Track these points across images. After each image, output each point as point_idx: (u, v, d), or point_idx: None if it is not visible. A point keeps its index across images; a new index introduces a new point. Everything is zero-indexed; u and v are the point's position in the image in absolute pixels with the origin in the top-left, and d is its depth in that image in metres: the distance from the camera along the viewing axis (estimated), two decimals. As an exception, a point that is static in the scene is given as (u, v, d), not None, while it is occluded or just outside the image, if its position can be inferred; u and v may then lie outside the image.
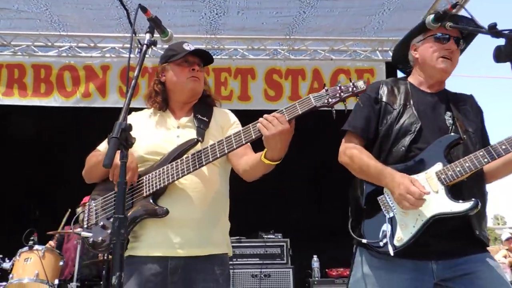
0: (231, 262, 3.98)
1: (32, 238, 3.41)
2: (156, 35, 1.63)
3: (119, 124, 1.29)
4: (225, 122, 1.89)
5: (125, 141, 1.30)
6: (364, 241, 1.64)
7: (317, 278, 4.16)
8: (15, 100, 4.84)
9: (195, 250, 1.66)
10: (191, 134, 1.77)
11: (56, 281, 3.37)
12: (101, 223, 1.66)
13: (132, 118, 1.85)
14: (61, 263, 3.46)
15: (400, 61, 2.02)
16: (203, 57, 1.90)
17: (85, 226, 1.71)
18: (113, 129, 1.28)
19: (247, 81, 5.11)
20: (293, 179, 4.79)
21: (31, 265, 3.30)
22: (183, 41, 1.90)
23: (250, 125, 1.59)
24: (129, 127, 1.31)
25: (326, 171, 4.92)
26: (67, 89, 4.92)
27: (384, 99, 1.80)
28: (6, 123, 4.94)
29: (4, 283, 3.34)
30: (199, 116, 1.83)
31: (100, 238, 1.63)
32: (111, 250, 1.23)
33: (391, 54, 5.19)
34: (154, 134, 1.81)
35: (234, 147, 1.59)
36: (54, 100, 4.88)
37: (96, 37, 5.06)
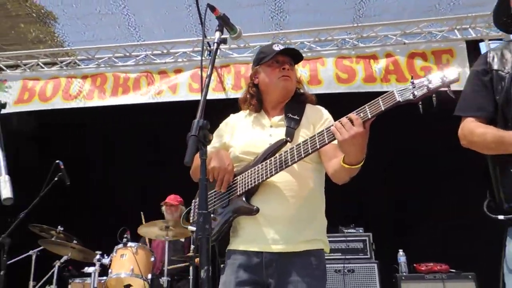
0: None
1: (125, 236, 3.68)
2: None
3: (196, 122, 1.33)
4: (316, 119, 1.87)
5: (203, 139, 1.33)
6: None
7: (404, 274, 3.95)
8: (95, 102, 5.27)
9: (289, 247, 1.68)
10: (282, 132, 1.79)
11: (149, 276, 3.61)
12: None
13: (229, 120, 1.97)
14: (152, 258, 3.70)
15: (503, 22, 1.86)
16: (293, 56, 1.91)
17: (191, 221, 1.83)
18: (191, 127, 1.32)
19: (317, 67, 5.03)
20: (371, 169, 4.63)
21: (126, 261, 3.56)
22: (273, 43, 1.97)
23: (324, 129, 1.58)
24: (206, 125, 1.34)
25: (404, 159, 4.70)
26: (142, 90, 5.25)
27: (494, 67, 1.66)
28: (99, 124, 5.34)
29: (105, 277, 3.64)
30: (290, 115, 1.84)
31: None
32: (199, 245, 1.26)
33: (472, 32, 4.81)
34: (248, 134, 1.86)
35: (310, 151, 1.58)
36: (129, 100, 5.22)
37: (169, 43, 5.34)
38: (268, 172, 1.67)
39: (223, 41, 1.59)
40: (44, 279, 3.87)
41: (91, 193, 5.07)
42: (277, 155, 1.69)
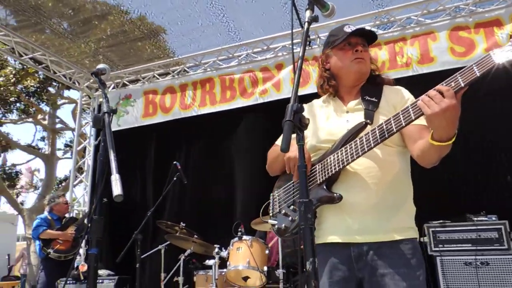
0: (436, 249, 3.61)
1: (240, 229, 3.81)
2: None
3: (291, 106, 1.27)
4: (396, 100, 1.71)
5: (299, 123, 1.26)
6: None
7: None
8: (207, 109, 5.56)
9: (377, 236, 1.56)
10: (360, 117, 1.67)
11: (265, 268, 3.67)
12: (283, 211, 1.70)
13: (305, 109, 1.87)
14: (266, 251, 3.76)
15: None
16: (366, 36, 1.78)
17: (271, 214, 1.79)
18: (285, 112, 1.26)
19: (427, 43, 4.57)
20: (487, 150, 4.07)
21: (242, 254, 3.68)
22: (343, 24, 1.80)
23: (409, 104, 1.43)
24: (301, 109, 1.27)
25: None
26: (248, 91, 5.39)
27: None
28: (202, 129, 5.66)
29: (225, 270, 3.81)
30: (367, 98, 1.71)
31: (283, 225, 1.67)
32: (297, 236, 1.20)
33: None
34: (324, 123, 1.77)
35: (394, 130, 1.44)
36: (237, 103, 5.40)
37: (268, 40, 5.41)
38: (350, 157, 1.55)
39: (314, 19, 1.49)
40: (173, 271, 4.20)
41: (205, 190, 5.37)
42: (357, 139, 1.57)
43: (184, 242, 4.17)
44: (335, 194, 1.58)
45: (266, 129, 5.01)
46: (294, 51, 1.62)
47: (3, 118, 10.65)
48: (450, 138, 1.38)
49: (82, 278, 4.28)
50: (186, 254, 4.13)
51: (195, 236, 4.15)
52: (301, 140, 1.28)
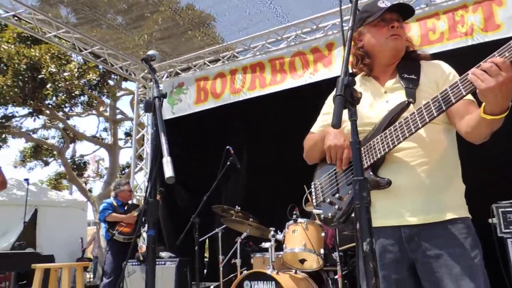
0: (507, 230, 3.36)
1: (294, 212, 3.79)
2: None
3: (341, 80, 1.20)
4: (437, 76, 1.60)
5: (350, 98, 1.20)
6: None
7: None
8: (257, 92, 5.55)
9: (428, 217, 1.48)
10: (401, 97, 1.57)
11: (322, 251, 3.63)
12: (328, 199, 1.66)
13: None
14: (322, 234, 3.71)
15: None
16: (402, 12, 1.66)
17: (315, 204, 1.74)
18: (335, 87, 1.20)
19: (492, 9, 4.19)
20: None
21: (298, 236, 3.66)
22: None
23: (458, 80, 1.32)
24: (352, 82, 1.20)
25: None
26: (298, 73, 5.29)
27: None
28: (253, 112, 5.66)
29: (281, 252, 3.83)
30: (406, 76, 1.61)
31: (330, 214, 1.63)
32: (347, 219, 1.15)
33: None
34: (362, 105, 1.66)
35: (443, 108, 1.35)
36: (287, 84, 5.33)
37: (317, 19, 5.25)
38: (395, 139, 1.46)
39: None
40: (230, 253, 4.30)
41: (258, 173, 5.39)
42: (401, 119, 1.47)
43: (240, 225, 4.23)
44: (383, 179, 1.51)
45: (317, 109, 4.93)
46: (345, 29, 1.54)
47: (70, 111, 11.38)
48: (503, 111, 1.29)
49: (141, 259, 4.51)
50: (242, 237, 4.20)
51: (251, 219, 4.20)
52: (353, 115, 1.21)
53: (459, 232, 1.46)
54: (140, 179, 6.90)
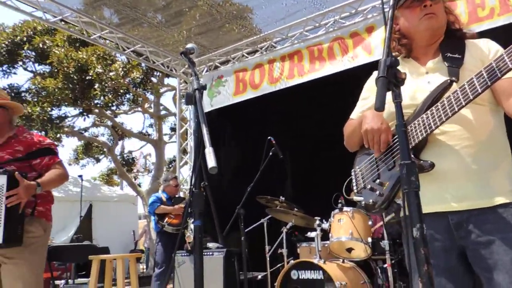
0: None
1: (340, 201, 3.73)
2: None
3: (383, 61, 1.15)
4: (484, 54, 1.49)
5: (394, 79, 1.15)
6: None
7: None
8: (296, 80, 5.49)
9: (476, 203, 1.39)
10: (443, 76, 1.48)
11: (369, 239, 3.56)
12: (369, 186, 1.60)
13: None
14: (369, 222, 3.63)
15: None
16: None
17: (355, 191, 1.69)
18: (378, 68, 1.16)
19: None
20: None
21: (344, 225, 3.61)
22: None
23: (504, 52, 1.22)
24: (395, 62, 1.15)
25: None
26: (337, 58, 5.18)
27: None
28: (293, 101, 5.60)
29: (327, 242, 3.79)
30: (449, 54, 1.51)
31: (371, 201, 1.57)
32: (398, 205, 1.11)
33: None
34: (402, 88, 1.60)
35: (488, 83, 1.25)
36: (326, 71, 5.22)
37: (355, 2, 5.10)
38: (437, 120, 1.37)
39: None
40: (276, 243, 4.31)
41: (301, 163, 5.36)
42: (443, 99, 1.38)
43: (285, 215, 4.23)
44: (425, 163, 1.43)
45: (358, 95, 4.80)
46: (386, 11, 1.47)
47: (117, 109, 11.83)
48: None
49: (189, 248, 4.62)
50: (287, 227, 4.20)
51: (295, 209, 4.19)
52: (398, 97, 1.17)
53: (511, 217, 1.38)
54: (186, 173, 7.07)
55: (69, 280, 5.70)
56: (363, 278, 3.54)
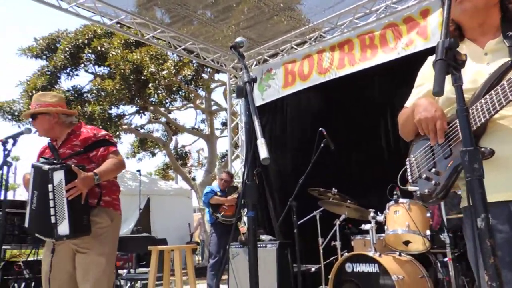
0: None
1: (395, 192, 3.62)
2: None
3: (441, 43, 1.09)
4: None
5: (453, 61, 1.09)
6: None
7: None
8: (347, 70, 5.35)
9: None
10: (503, 57, 1.37)
11: (428, 232, 3.42)
12: (424, 175, 1.53)
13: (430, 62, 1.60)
14: (428, 214, 3.49)
15: None
16: None
17: (410, 180, 1.62)
18: (435, 51, 1.10)
19: None
20: None
21: (400, 217, 3.50)
22: None
23: None
24: (454, 44, 1.09)
25: None
26: (390, 46, 4.98)
27: None
28: (343, 91, 5.48)
29: (382, 234, 3.70)
30: (510, 33, 1.39)
31: (426, 190, 1.50)
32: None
33: None
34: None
35: None
36: (379, 59, 5.05)
37: (409, -15, 4.89)
38: (497, 104, 1.27)
39: None
40: (329, 236, 4.27)
41: (354, 154, 5.24)
42: (503, 82, 1.27)
43: (338, 208, 4.17)
44: (484, 150, 1.34)
45: (412, 84, 4.58)
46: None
47: (170, 106, 12.23)
48: None
49: (243, 239, 4.70)
50: (341, 219, 4.14)
51: (348, 201, 4.11)
52: (458, 81, 1.10)
53: None
54: (238, 166, 7.18)
55: (131, 270, 6.01)
56: (422, 272, 3.41)
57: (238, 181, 6.88)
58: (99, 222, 2.57)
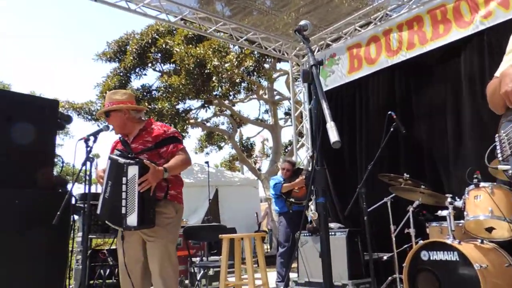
0: None
1: (475, 176, 3.37)
2: None
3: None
4: None
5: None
6: None
7: None
8: (417, 50, 5.05)
9: None
10: None
11: (514, 218, 3.15)
12: None
13: None
14: (514, 199, 3.21)
15: None
16: None
17: (500, 158, 1.47)
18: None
19: None
20: None
21: (482, 202, 3.25)
22: None
23: None
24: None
25: None
26: (465, 19, 4.60)
27: None
28: (413, 73, 5.18)
29: (461, 221, 3.47)
30: None
31: None
32: None
33: None
34: None
35: None
36: (453, 36, 4.69)
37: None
38: None
39: None
40: (402, 223, 4.10)
41: (426, 136, 4.95)
42: None
43: (411, 193, 3.99)
44: None
45: (493, 59, 4.21)
46: None
47: (234, 98, 12.46)
48: None
49: (314, 225, 4.67)
50: (414, 205, 3.95)
51: (422, 186, 3.91)
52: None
53: None
54: (303, 155, 7.14)
55: (203, 258, 6.26)
56: (508, 260, 3.16)
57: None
58: (166, 213, 2.76)
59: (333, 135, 1.28)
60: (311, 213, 4.59)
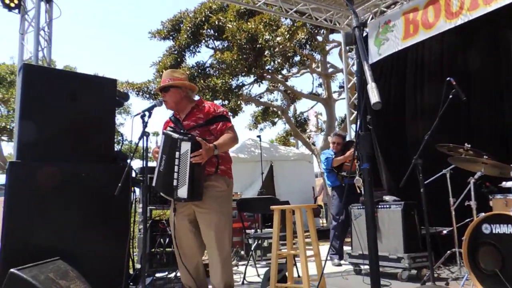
0: None
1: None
2: None
3: None
4: None
5: None
6: None
7: None
8: (481, 10, 4.65)
9: None
10: None
11: None
12: None
13: None
14: None
15: None
16: None
17: None
18: None
19: None
20: None
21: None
22: None
23: None
24: None
25: None
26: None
27: None
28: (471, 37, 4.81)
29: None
30: None
31: None
32: None
33: None
34: None
35: None
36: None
37: None
38: None
39: None
40: (462, 195, 3.90)
41: (488, 104, 4.60)
42: None
43: (472, 165, 3.76)
44: None
45: None
46: None
47: (287, 73, 12.33)
48: None
49: (359, 191, 4.59)
50: (476, 177, 3.73)
51: (485, 156, 3.68)
52: None
53: None
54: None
55: (258, 230, 6.41)
56: None
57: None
58: (218, 186, 2.91)
59: (373, 97, 1.24)
60: (355, 179, 4.52)
